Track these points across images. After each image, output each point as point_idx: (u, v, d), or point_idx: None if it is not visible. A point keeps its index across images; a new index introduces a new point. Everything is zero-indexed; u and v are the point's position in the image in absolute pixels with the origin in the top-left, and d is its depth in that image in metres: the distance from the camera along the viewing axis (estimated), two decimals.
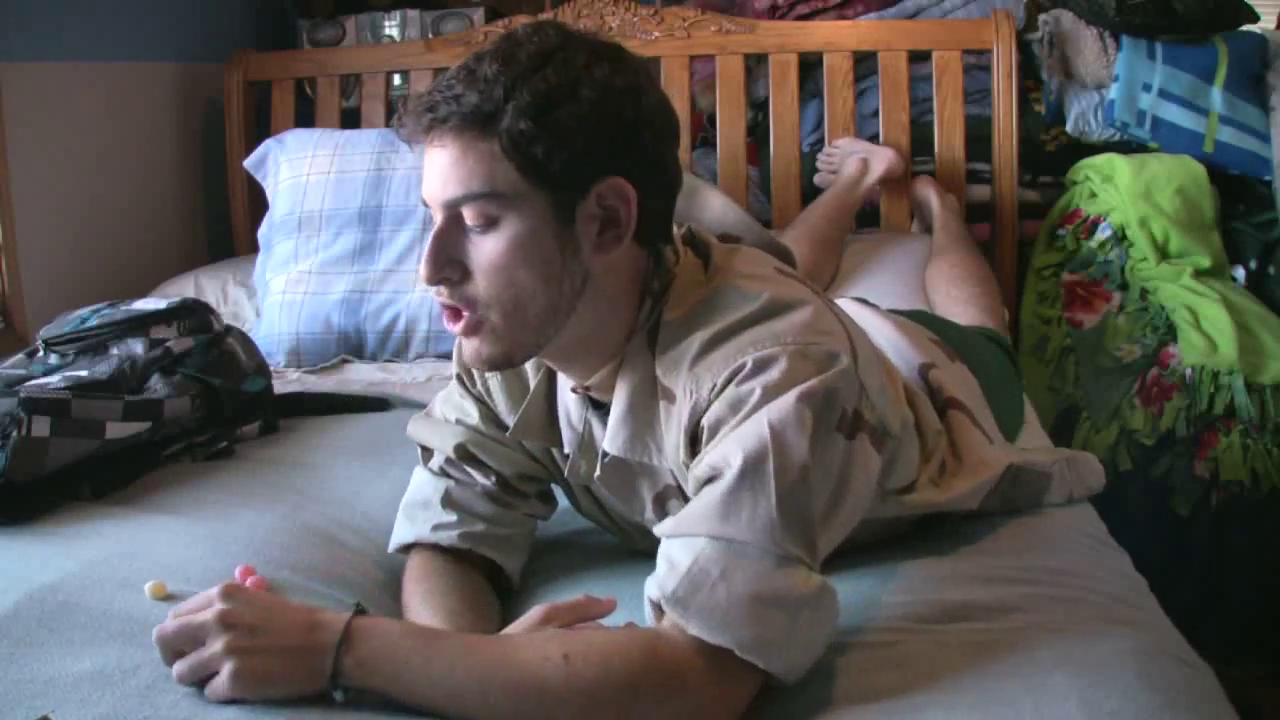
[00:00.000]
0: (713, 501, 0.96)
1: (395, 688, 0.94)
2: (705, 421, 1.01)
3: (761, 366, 0.99)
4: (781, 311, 1.04)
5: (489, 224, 1.01)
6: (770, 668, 0.94)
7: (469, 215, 1.01)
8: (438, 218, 1.03)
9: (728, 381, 1.00)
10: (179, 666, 0.96)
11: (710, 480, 0.98)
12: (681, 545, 0.96)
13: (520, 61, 0.99)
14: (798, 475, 0.96)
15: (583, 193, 1.01)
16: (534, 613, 1.03)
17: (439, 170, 1.02)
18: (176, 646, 0.96)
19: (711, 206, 2.09)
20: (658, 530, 1.00)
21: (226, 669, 0.93)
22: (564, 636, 0.96)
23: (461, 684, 0.93)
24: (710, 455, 0.99)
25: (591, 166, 1.01)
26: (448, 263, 1.03)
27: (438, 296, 1.06)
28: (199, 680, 0.95)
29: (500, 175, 0.99)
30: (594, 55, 1.02)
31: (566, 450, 1.19)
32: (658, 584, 0.96)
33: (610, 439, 1.10)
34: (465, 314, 1.04)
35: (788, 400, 0.97)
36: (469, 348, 1.07)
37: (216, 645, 0.94)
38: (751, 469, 0.95)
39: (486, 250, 1.01)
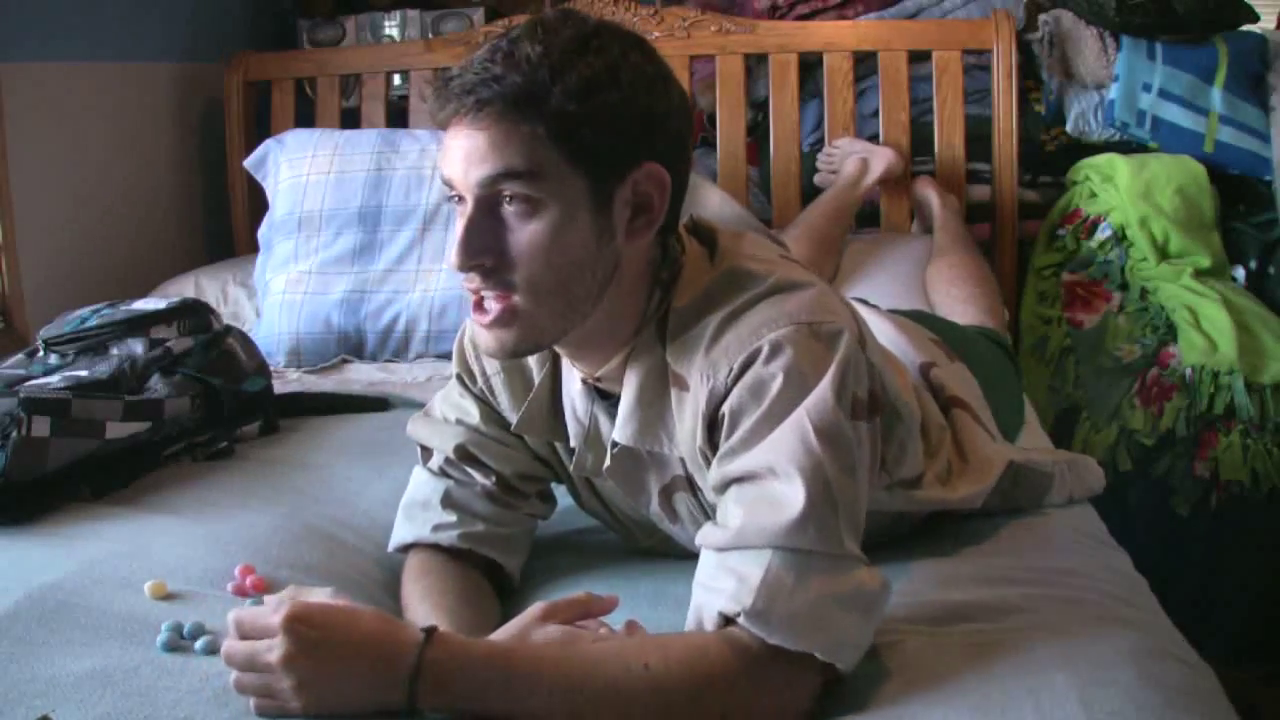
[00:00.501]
0: (778, 515, 0.95)
1: (477, 710, 0.92)
2: (726, 408, 1.01)
3: (777, 349, 1.00)
4: (789, 289, 1.04)
5: (529, 206, 1.00)
6: (844, 665, 0.95)
7: (509, 195, 1.00)
8: (469, 201, 1.01)
9: (745, 365, 1.00)
10: (241, 680, 0.93)
11: (745, 480, 0.98)
12: (745, 558, 0.95)
13: (561, 45, 0.99)
14: (849, 476, 0.97)
15: (621, 178, 1.02)
16: (533, 610, 1.03)
17: (476, 151, 0.99)
18: (245, 668, 0.93)
19: (709, 203, 2.09)
20: (702, 541, 0.99)
21: (296, 705, 0.91)
22: (638, 644, 0.96)
23: (545, 703, 0.92)
24: (746, 456, 0.99)
25: (631, 151, 1.01)
26: (481, 250, 1.01)
27: (467, 283, 1.04)
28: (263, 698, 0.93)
29: (544, 156, 0.98)
30: (626, 43, 1.02)
31: (572, 444, 1.19)
32: (730, 598, 0.94)
33: (620, 428, 1.10)
34: (499, 304, 1.03)
35: (825, 398, 0.98)
36: (493, 337, 1.05)
37: (284, 684, 0.91)
38: (815, 483, 0.95)
39: (527, 235, 1.00)
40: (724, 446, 1.01)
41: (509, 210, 1.00)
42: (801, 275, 1.08)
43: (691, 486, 1.13)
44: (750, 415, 0.99)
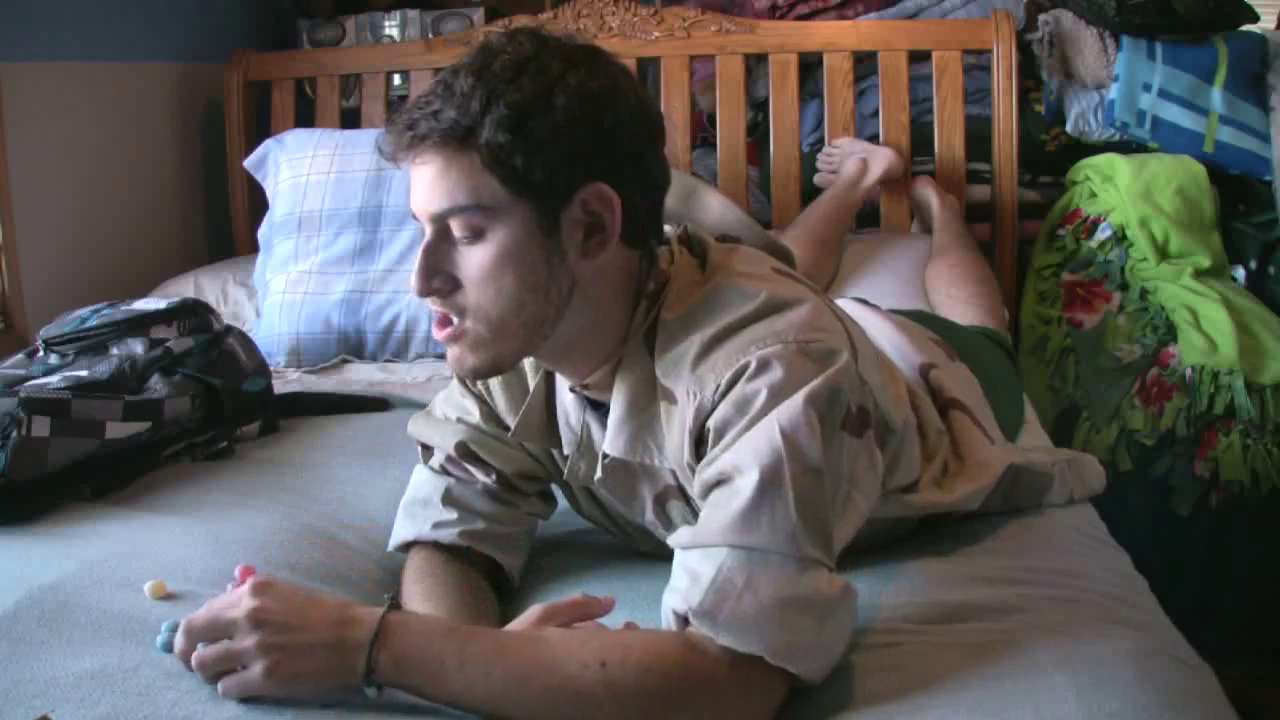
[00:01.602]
0: (731, 510, 0.95)
1: (429, 687, 0.94)
2: (711, 423, 1.01)
3: (765, 366, 0.99)
4: (781, 309, 1.04)
5: (476, 235, 1.02)
6: (799, 671, 0.95)
7: (456, 227, 1.02)
8: (427, 231, 1.04)
9: (732, 382, 1.00)
10: (202, 653, 0.96)
11: (719, 484, 0.98)
12: (702, 556, 0.96)
13: (494, 73, 1.00)
14: (813, 479, 0.96)
15: (566, 200, 1.02)
16: (531, 612, 1.03)
17: (424, 185, 1.03)
18: (204, 639, 0.97)
19: (711, 208, 2.09)
20: (672, 541, 1.00)
21: (258, 667, 0.94)
22: (600, 642, 0.96)
23: (498, 687, 0.93)
24: (720, 460, 0.99)
25: (572, 174, 1.01)
26: (436, 275, 1.04)
27: (431, 305, 1.07)
28: (219, 672, 0.95)
29: (483, 187, 1.00)
30: (568, 61, 1.02)
31: (566, 452, 1.19)
32: (682, 596, 0.95)
33: (610, 441, 1.10)
34: (452, 322, 1.05)
35: (795, 403, 0.97)
36: (453, 355, 1.08)
37: (248, 642, 0.94)
38: (768, 476, 0.95)
39: (474, 261, 1.02)
40: (707, 457, 1.01)
41: (458, 238, 1.03)
42: (793, 292, 1.07)
43: (684, 495, 1.13)
44: (733, 428, 0.99)
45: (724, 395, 1.00)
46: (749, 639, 0.93)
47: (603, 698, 0.92)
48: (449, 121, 0.99)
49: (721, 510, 0.96)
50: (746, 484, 0.95)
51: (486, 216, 1.01)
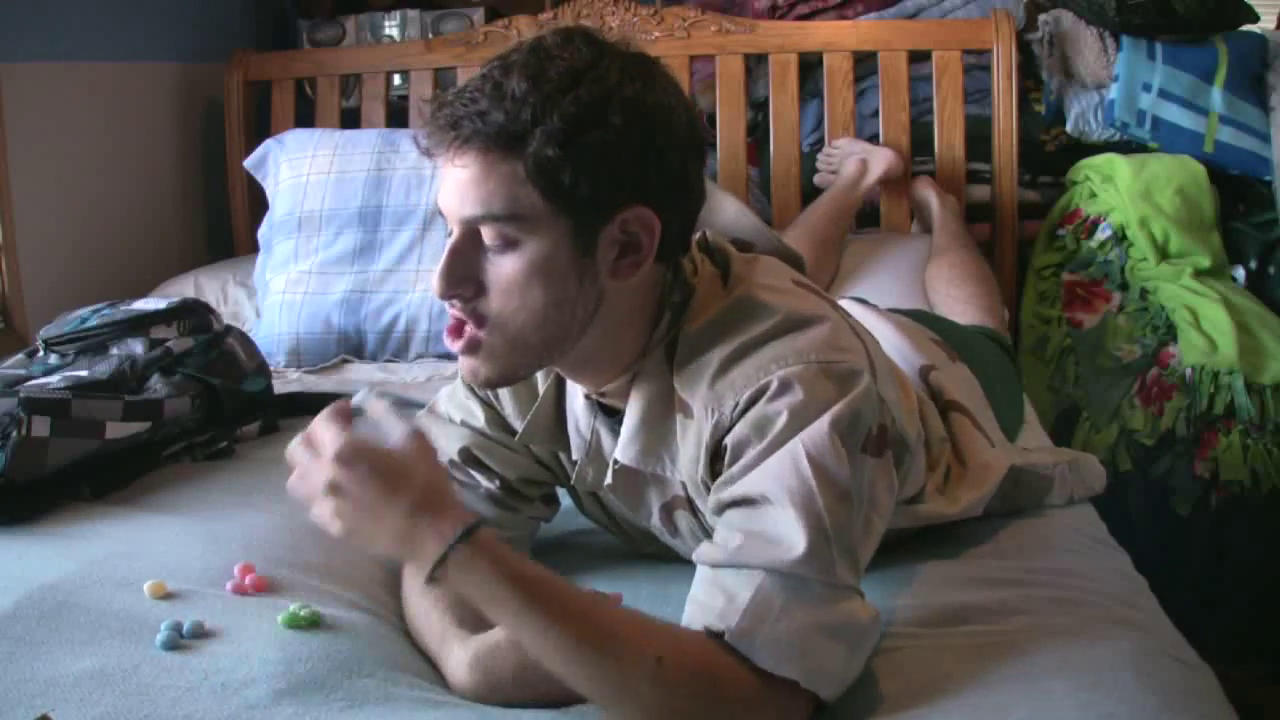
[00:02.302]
0: (767, 534, 0.95)
1: (485, 609, 0.93)
2: (729, 441, 1.00)
3: (786, 387, 0.98)
4: (802, 326, 1.02)
5: (508, 244, 0.99)
6: (826, 695, 0.94)
7: (488, 234, 0.99)
8: (455, 232, 1.01)
9: (752, 401, 0.99)
10: (293, 484, 0.95)
11: (742, 505, 0.97)
12: (737, 577, 0.95)
13: (550, 80, 0.96)
14: (844, 504, 0.96)
15: (606, 220, 0.99)
16: None
17: (460, 187, 0.99)
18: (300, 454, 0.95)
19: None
20: (699, 557, 0.99)
21: (335, 527, 0.93)
22: (662, 635, 0.94)
23: (551, 645, 0.92)
24: (743, 482, 0.98)
25: (618, 194, 0.99)
26: (462, 279, 1.00)
27: (450, 309, 1.03)
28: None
29: (523, 199, 0.97)
30: (626, 72, 0.98)
31: (574, 456, 1.19)
32: (718, 616, 0.94)
33: (623, 449, 1.10)
34: (468, 330, 1.02)
35: (821, 428, 0.96)
36: (467, 365, 1.05)
37: (325, 509, 0.92)
38: (802, 503, 0.94)
39: (503, 270, 0.99)
40: (724, 476, 1.01)
41: (489, 245, 1.00)
42: (814, 308, 1.06)
43: (692, 507, 1.13)
44: (752, 448, 0.98)
45: (743, 413, 0.99)
46: (784, 663, 0.92)
47: (648, 692, 0.91)
48: (496, 126, 0.96)
49: (760, 540, 0.95)
50: (782, 510, 0.95)
51: (522, 228, 0.98)
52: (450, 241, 1.01)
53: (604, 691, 0.93)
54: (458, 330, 1.03)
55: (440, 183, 1.02)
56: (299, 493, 0.94)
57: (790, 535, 0.94)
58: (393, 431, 0.95)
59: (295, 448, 0.95)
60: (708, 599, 0.96)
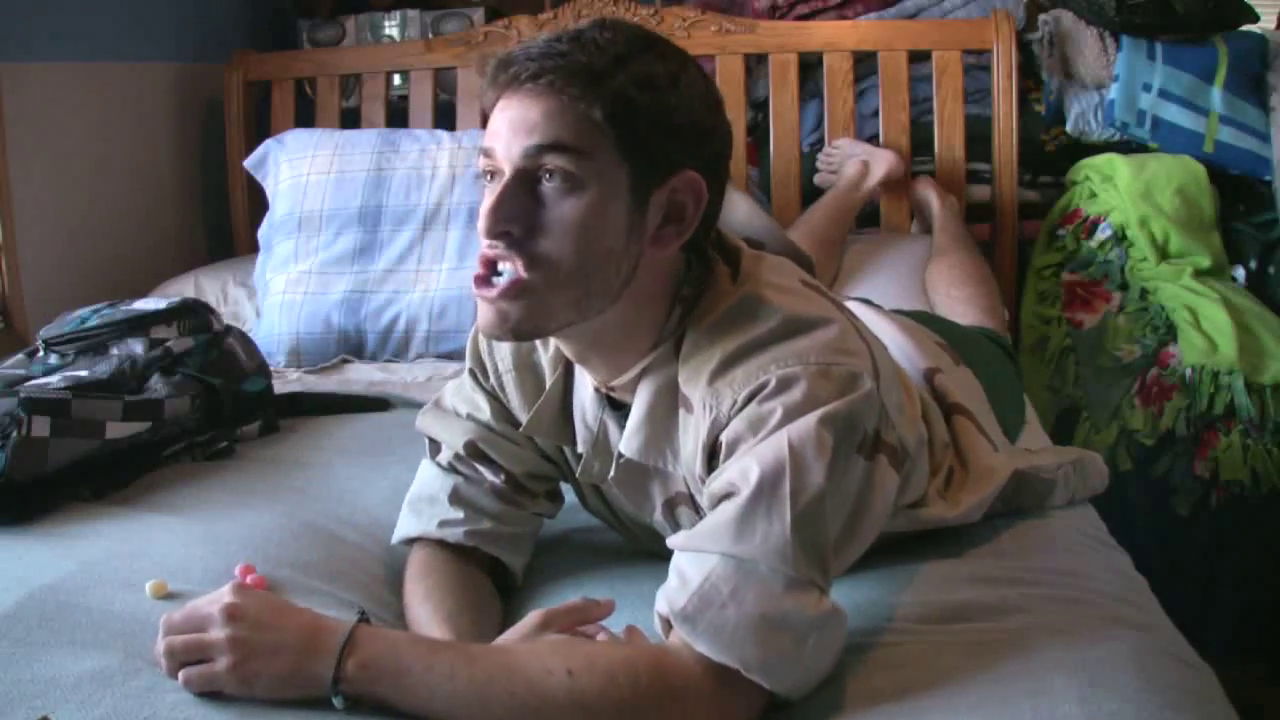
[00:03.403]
0: (728, 519, 0.95)
1: (395, 695, 0.94)
2: (724, 438, 1.00)
3: (784, 386, 0.98)
4: (805, 329, 1.03)
5: (570, 186, 0.99)
6: (775, 688, 0.94)
7: (551, 167, 0.98)
8: (505, 172, 1.00)
9: (749, 399, 0.99)
10: (172, 640, 0.97)
11: (726, 496, 0.98)
12: (693, 560, 0.95)
13: (628, 38, 1.00)
14: (814, 497, 0.95)
15: (662, 180, 1.01)
16: (531, 618, 1.03)
17: (527, 120, 0.98)
18: (180, 632, 0.97)
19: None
20: (670, 542, 1.00)
21: (224, 661, 0.94)
22: (568, 649, 0.95)
23: (462, 694, 0.93)
24: (728, 472, 0.98)
25: (681, 154, 1.01)
26: (512, 217, 0.99)
27: (489, 250, 1.01)
28: (184, 663, 0.96)
29: (595, 137, 0.98)
30: (686, 58, 1.04)
31: (579, 449, 1.19)
32: (667, 598, 0.95)
33: (627, 441, 1.10)
34: (509, 278, 1.00)
35: (809, 421, 0.96)
36: (495, 311, 1.02)
37: (219, 634, 0.95)
38: (768, 488, 0.94)
39: (562, 211, 0.99)
40: (716, 472, 1.01)
41: (548, 186, 0.99)
42: (820, 310, 1.06)
43: (694, 503, 1.13)
44: (745, 445, 0.99)
45: (739, 411, 1.00)
46: (725, 649, 0.92)
47: (566, 705, 0.92)
48: (579, 63, 0.97)
49: (719, 516, 0.96)
50: (749, 494, 0.95)
51: (585, 166, 0.98)
52: (504, 180, 1.00)
53: (526, 717, 0.93)
54: (487, 278, 1.02)
55: (491, 126, 1.01)
56: (181, 647, 0.98)
57: (750, 520, 0.94)
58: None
59: (174, 620, 0.99)
60: (667, 583, 0.97)
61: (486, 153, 1.02)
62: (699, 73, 1.04)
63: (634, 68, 0.98)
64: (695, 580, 0.94)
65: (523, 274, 1.00)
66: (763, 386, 0.99)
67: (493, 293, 1.02)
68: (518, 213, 0.99)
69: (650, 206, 1.02)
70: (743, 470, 0.97)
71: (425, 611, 1.14)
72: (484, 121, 1.11)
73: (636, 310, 1.06)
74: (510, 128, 1.00)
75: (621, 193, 1.00)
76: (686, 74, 1.02)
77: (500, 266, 1.01)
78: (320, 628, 0.96)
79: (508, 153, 1.00)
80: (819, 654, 0.96)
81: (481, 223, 1.00)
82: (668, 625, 0.96)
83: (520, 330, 1.04)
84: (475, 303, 1.05)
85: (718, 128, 1.05)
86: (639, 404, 1.09)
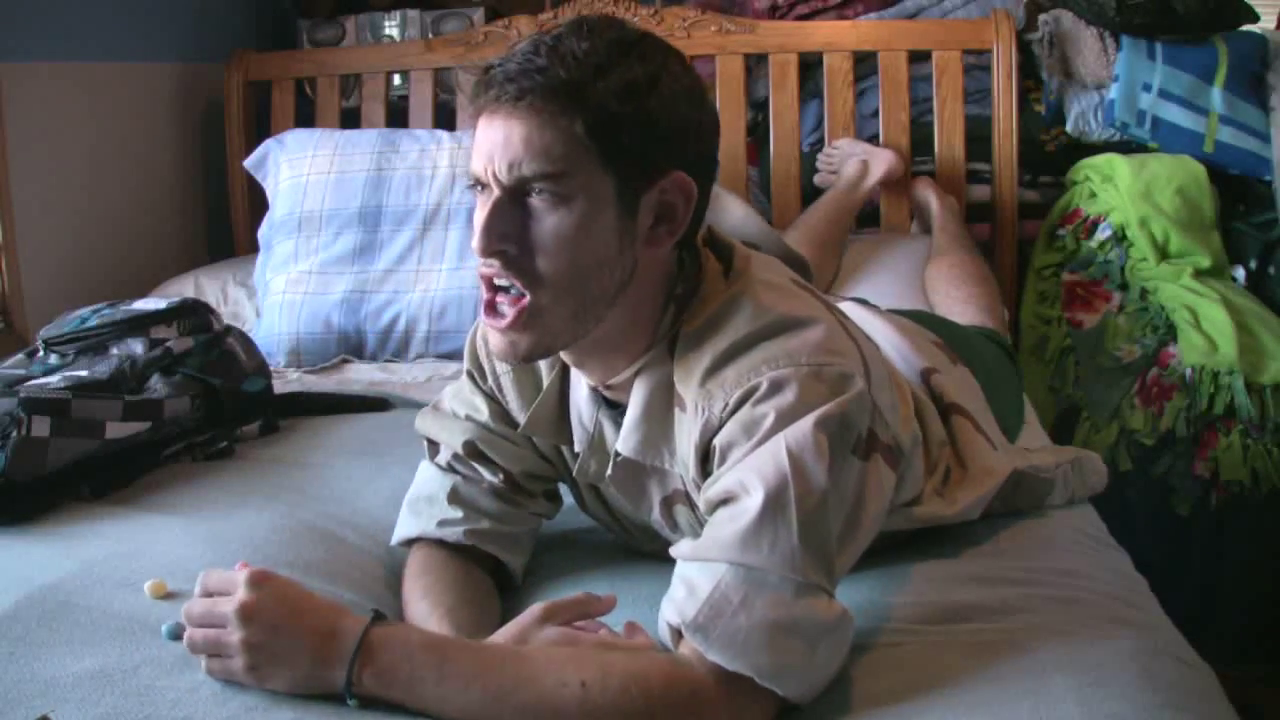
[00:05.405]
0: (734, 528, 0.95)
1: (409, 700, 0.95)
2: (717, 441, 1.01)
3: (776, 388, 0.98)
4: (794, 328, 1.03)
5: (558, 201, 0.99)
6: (787, 694, 0.94)
7: (537, 190, 0.99)
8: (495, 189, 1.01)
9: (741, 401, 0.99)
10: (193, 634, 0.98)
11: (724, 503, 0.98)
12: (701, 570, 0.95)
13: (606, 44, 0.99)
14: (817, 503, 0.95)
15: (650, 183, 1.01)
16: (533, 610, 1.03)
17: (508, 143, 0.99)
18: (200, 625, 0.98)
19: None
20: (674, 551, 1.00)
21: (239, 663, 0.95)
22: (583, 660, 0.95)
23: (476, 702, 0.93)
24: (726, 478, 0.98)
25: (667, 157, 1.01)
26: (505, 235, 1.00)
27: (485, 269, 1.02)
28: (211, 654, 0.98)
29: (577, 155, 0.98)
30: (668, 54, 1.03)
31: (577, 449, 1.19)
32: (677, 609, 0.95)
33: (624, 440, 1.10)
34: (514, 307, 1.02)
35: (804, 426, 0.96)
36: (506, 342, 1.04)
37: (234, 637, 0.95)
38: (773, 497, 0.94)
39: (552, 225, 0.99)
40: (712, 476, 1.01)
41: (536, 200, 1.00)
42: (809, 310, 1.06)
43: (691, 502, 1.13)
44: (739, 449, 0.99)
45: (732, 414, 1.00)
46: (738, 658, 0.93)
47: (579, 717, 0.92)
48: (557, 80, 0.97)
49: (725, 527, 0.96)
50: (752, 503, 0.95)
51: (571, 184, 0.99)
52: (492, 198, 1.00)
53: None
54: (495, 306, 1.03)
55: (477, 142, 1.02)
56: (201, 643, 0.98)
57: (758, 530, 0.94)
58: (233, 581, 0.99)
59: (193, 612, 1.00)
60: (674, 592, 0.97)
61: (474, 167, 1.03)
62: (681, 67, 1.03)
63: (614, 76, 0.98)
64: (705, 590, 0.94)
65: (523, 303, 1.02)
66: (754, 389, 0.99)
67: (502, 324, 1.03)
68: (510, 230, 1.00)
69: (640, 210, 1.02)
70: (741, 478, 0.96)
71: (424, 607, 1.14)
72: None
73: (633, 311, 1.06)
74: (493, 149, 1.00)
75: (609, 202, 1.00)
76: (668, 72, 1.01)
77: (499, 283, 1.03)
78: (334, 631, 0.96)
79: (495, 170, 1.00)
80: (829, 658, 0.96)
81: (476, 242, 1.01)
82: (678, 636, 0.96)
83: (531, 355, 1.06)
84: (475, 303, 1.06)
85: (703, 123, 1.04)
86: (635, 403, 1.09)
